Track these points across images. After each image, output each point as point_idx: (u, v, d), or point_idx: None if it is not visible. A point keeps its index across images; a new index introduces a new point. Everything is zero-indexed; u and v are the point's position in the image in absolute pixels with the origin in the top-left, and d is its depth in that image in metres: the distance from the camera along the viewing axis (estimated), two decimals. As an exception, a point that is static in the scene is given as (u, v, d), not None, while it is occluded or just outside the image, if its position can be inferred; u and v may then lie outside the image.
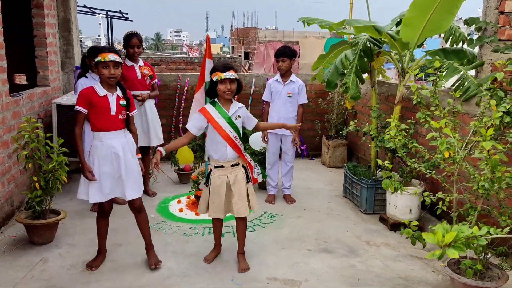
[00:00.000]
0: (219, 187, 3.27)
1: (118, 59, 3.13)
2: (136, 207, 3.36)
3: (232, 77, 3.13)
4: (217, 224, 3.52)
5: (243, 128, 3.42)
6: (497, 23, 3.67)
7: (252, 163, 3.43)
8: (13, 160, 4.13)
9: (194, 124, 3.27)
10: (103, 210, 3.37)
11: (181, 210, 4.58)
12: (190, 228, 4.16)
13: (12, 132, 4.09)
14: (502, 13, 3.63)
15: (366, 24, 4.14)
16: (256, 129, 3.47)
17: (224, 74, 3.12)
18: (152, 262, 3.39)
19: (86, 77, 4.31)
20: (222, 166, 3.26)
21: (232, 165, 3.27)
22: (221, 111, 3.22)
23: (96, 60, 3.13)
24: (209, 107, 3.26)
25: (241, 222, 3.40)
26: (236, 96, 3.37)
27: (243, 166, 3.33)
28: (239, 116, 3.28)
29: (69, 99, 4.91)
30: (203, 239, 3.92)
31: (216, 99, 3.27)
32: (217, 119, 3.21)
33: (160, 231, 4.05)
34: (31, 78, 5.20)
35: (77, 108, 3.17)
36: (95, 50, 4.35)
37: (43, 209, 3.73)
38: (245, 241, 3.47)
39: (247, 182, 3.33)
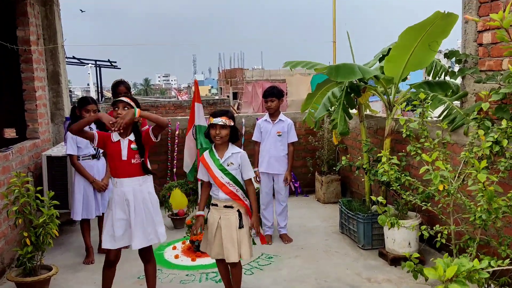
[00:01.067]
0: (211, 224, 3.27)
1: (128, 101, 3.17)
2: (143, 256, 3.35)
3: (220, 123, 3.15)
4: (220, 266, 3.41)
5: None
6: (476, 54, 3.78)
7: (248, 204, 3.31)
8: (3, 216, 4.05)
9: (201, 172, 3.36)
10: (109, 259, 3.29)
11: (176, 256, 4.48)
12: (187, 275, 4.06)
13: (1, 188, 4.03)
14: (480, 45, 3.75)
15: (347, 76, 4.19)
16: (245, 184, 3.32)
17: (214, 119, 3.16)
18: None
19: None
20: (216, 205, 3.28)
21: (225, 206, 3.24)
22: (213, 158, 3.26)
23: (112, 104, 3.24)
24: (206, 154, 3.32)
25: (234, 268, 3.30)
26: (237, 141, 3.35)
27: (237, 211, 3.26)
28: (231, 163, 3.24)
29: (59, 150, 4.89)
30: (201, 286, 3.81)
31: (213, 145, 3.31)
32: (210, 166, 3.25)
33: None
34: (21, 131, 5.19)
35: (95, 132, 3.25)
36: (84, 100, 4.41)
37: (34, 265, 3.63)
38: (239, 285, 3.35)
39: (240, 227, 3.23)
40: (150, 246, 3.35)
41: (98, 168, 4.38)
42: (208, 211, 3.36)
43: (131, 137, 3.25)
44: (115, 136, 3.23)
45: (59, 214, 3.75)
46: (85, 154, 4.33)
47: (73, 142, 4.24)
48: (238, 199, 3.24)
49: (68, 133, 4.29)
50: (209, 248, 3.32)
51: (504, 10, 3.40)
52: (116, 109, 3.17)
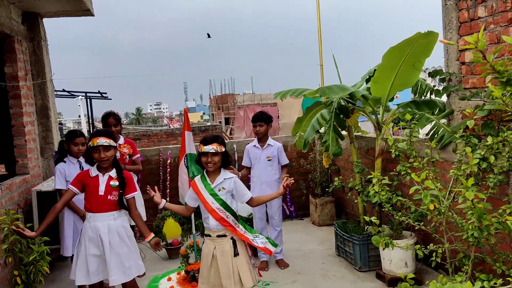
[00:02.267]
0: (206, 256, 3.22)
1: (106, 142, 3.21)
2: None
3: (211, 151, 3.14)
4: None
5: None
6: (460, 73, 3.85)
7: (249, 235, 3.26)
8: (-8, 255, 3.96)
9: (189, 196, 3.33)
10: None
11: (172, 288, 4.39)
12: (183, 307, 3.97)
13: (-9, 226, 3.96)
14: (463, 63, 3.83)
15: (339, 93, 4.28)
16: (250, 204, 3.35)
17: (205, 147, 3.15)
18: None
19: (65, 161, 4.29)
20: (210, 236, 3.23)
21: (218, 236, 3.19)
22: (205, 183, 3.24)
23: (88, 145, 3.25)
24: (197, 179, 3.30)
25: None
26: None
27: (231, 239, 3.21)
28: (223, 188, 3.22)
29: (50, 185, 4.84)
30: (197, 319, 3.73)
31: (204, 171, 3.29)
32: (201, 191, 3.22)
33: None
34: (11, 167, 5.14)
35: (69, 186, 3.27)
36: (72, 134, 4.39)
37: (25, 304, 3.54)
38: None
39: (235, 255, 3.18)
40: (134, 280, 3.32)
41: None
42: (203, 242, 3.31)
43: (112, 173, 3.28)
44: (93, 171, 3.27)
45: (50, 250, 3.69)
46: None
47: (61, 176, 4.20)
48: (228, 225, 3.18)
49: (56, 167, 4.26)
50: (203, 281, 3.23)
51: (484, 30, 3.49)
52: (96, 152, 3.22)
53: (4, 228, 3.49)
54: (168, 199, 6.27)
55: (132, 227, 4.74)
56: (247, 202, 3.32)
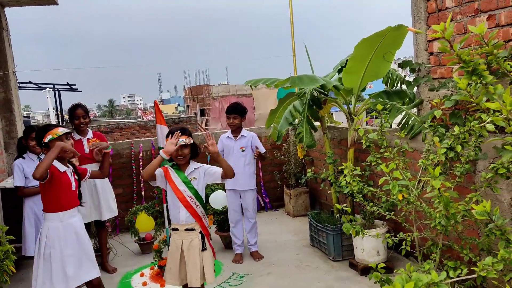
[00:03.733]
0: (174, 251, 3.15)
1: (66, 130, 3.15)
2: (95, 286, 3.22)
3: (182, 143, 3.08)
4: None
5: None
6: (428, 63, 3.89)
7: (209, 230, 3.27)
8: (-46, 255, 3.80)
9: (160, 180, 3.18)
10: None
11: (144, 284, 4.33)
12: (156, 302, 3.92)
13: (-49, 225, 3.79)
14: (431, 53, 3.87)
15: (309, 85, 4.25)
16: (224, 177, 3.22)
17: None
18: None
19: (23, 157, 4.15)
20: (177, 229, 3.16)
21: (187, 229, 3.13)
22: (177, 172, 3.18)
23: (47, 139, 3.05)
24: (169, 167, 3.22)
25: None
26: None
27: (200, 233, 3.16)
28: (194, 178, 3.18)
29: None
30: (170, 314, 3.69)
31: (175, 162, 3.22)
32: (174, 179, 3.16)
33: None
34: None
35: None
36: (30, 129, 4.24)
37: (-10, 306, 3.41)
38: None
39: (203, 250, 3.14)
40: (99, 277, 3.30)
41: None
42: (169, 238, 3.25)
43: (71, 167, 3.25)
44: (60, 167, 3.11)
45: (15, 249, 3.56)
46: (34, 185, 4.14)
47: (20, 173, 4.07)
48: (197, 216, 3.13)
49: (15, 163, 4.12)
50: (171, 276, 3.17)
51: (452, 20, 3.53)
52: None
53: (-34, 227, 3.34)
54: (143, 193, 6.17)
55: (103, 222, 4.66)
56: (222, 177, 3.22)
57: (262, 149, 4.80)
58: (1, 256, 3.37)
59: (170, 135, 3.13)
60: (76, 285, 3.10)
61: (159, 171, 3.19)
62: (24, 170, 4.07)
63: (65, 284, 3.03)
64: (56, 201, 3.08)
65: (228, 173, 3.17)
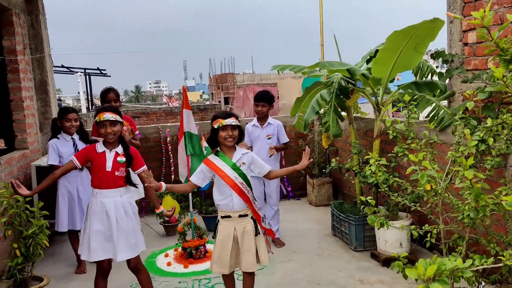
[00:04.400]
0: (225, 238, 3.10)
1: (113, 117, 3.15)
2: (132, 267, 3.30)
3: (233, 123, 3.05)
4: (227, 280, 3.29)
5: None
6: (462, 54, 3.82)
7: (261, 213, 3.22)
8: (-9, 228, 4.00)
9: (198, 176, 3.20)
10: (100, 269, 3.27)
11: (169, 264, 4.45)
12: (179, 282, 4.03)
13: (-10, 199, 3.98)
14: (466, 44, 3.79)
15: (339, 67, 4.27)
16: (267, 177, 3.30)
17: (226, 120, 3.05)
18: None
19: (58, 138, 4.29)
20: (229, 216, 3.12)
21: (240, 216, 3.11)
22: (224, 159, 3.13)
23: (94, 120, 3.20)
24: (212, 157, 3.18)
25: (249, 278, 3.20)
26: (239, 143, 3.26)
27: (252, 218, 3.15)
28: (243, 163, 3.13)
29: (48, 160, 4.84)
30: (194, 293, 3.79)
31: (218, 148, 3.19)
32: (221, 167, 3.10)
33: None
34: (10, 142, 5.14)
35: (73, 157, 3.25)
36: (65, 110, 4.38)
37: (25, 276, 3.60)
38: None
39: (256, 234, 3.13)
40: (138, 256, 3.31)
41: (82, 178, 4.33)
42: (216, 229, 3.20)
43: (119, 149, 3.23)
44: (100, 147, 3.22)
45: (49, 224, 3.72)
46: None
47: (54, 152, 4.20)
48: (248, 201, 3.10)
49: (49, 142, 4.26)
50: (220, 265, 3.14)
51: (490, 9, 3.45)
52: (103, 127, 3.16)
53: (3, 201, 3.51)
54: (172, 176, 6.30)
55: (136, 202, 4.79)
56: (265, 176, 3.27)
57: (286, 139, 4.82)
58: (36, 230, 3.54)
59: (221, 117, 3.09)
60: (101, 258, 3.18)
61: (202, 169, 3.18)
62: (59, 150, 4.21)
63: (87, 255, 3.17)
64: (92, 179, 3.22)
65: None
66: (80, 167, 3.24)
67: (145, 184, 3.15)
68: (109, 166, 3.17)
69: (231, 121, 3.05)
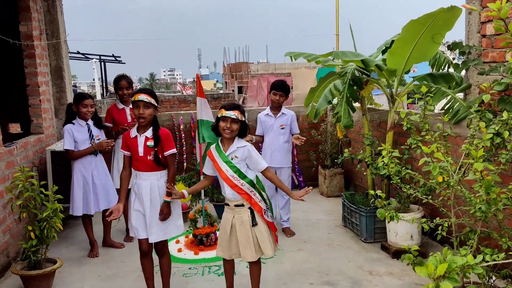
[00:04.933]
0: (225, 225, 3.22)
1: (147, 99, 3.16)
2: (158, 249, 3.38)
3: (232, 116, 3.06)
4: (228, 266, 3.36)
5: None
6: (480, 46, 3.75)
7: (263, 205, 3.21)
8: (7, 210, 4.09)
9: (208, 166, 3.30)
10: (141, 250, 3.36)
11: (179, 250, 4.50)
12: (190, 268, 4.08)
13: (6, 182, 4.07)
14: (484, 36, 3.72)
15: (353, 58, 4.22)
16: (264, 174, 3.28)
17: (227, 112, 3.07)
18: None
19: (73, 123, 4.34)
20: (228, 205, 3.22)
21: (236, 205, 3.16)
22: (219, 151, 3.18)
23: (131, 100, 3.25)
24: (212, 148, 3.25)
25: (253, 267, 3.26)
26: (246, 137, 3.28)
27: (249, 208, 3.18)
28: (236, 157, 3.14)
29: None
30: (203, 279, 3.84)
31: (219, 138, 3.23)
32: (216, 159, 3.18)
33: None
34: (25, 127, 5.23)
35: (121, 151, 3.33)
36: (81, 96, 4.42)
37: (39, 258, 3.67)
38: (258, 284, 3.30)
39: (253, 225, 3.15)
40: (166, 240, 3.37)
41: (96, 163, 4.39)
42: (222, 212, 3.31)
43: (148, 133, 3.25)
44: (133, 132, 3.28)
45: (63, 208, 3.79)
46: (83, 148, 4.34)
47: (70, 137, 4.25)
48: (244, 193, 3.13)
49: (65, 128, 4.31)
50: (222, 249, 3.24)
51: (508, 1, 3.36)
52: (137, 107, 3.16)
53: (19, 184, 3.58)
54: (184, 164, 6.35)
55: None
56: (262, 172, 3.27)
57: (297, 130, 4.81)
58: (50, 213, 3.60)
59: (225, 108, 3.13)
60: (140, 237, 3.29)
61: (208, 159, 3.26)
62: (74, 135, 4.26)
63: (135, 233, 3.31)
64: (133, 161, 3.30)
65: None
66: (128, 154, 3.28)
67: (170, 198, 3.22)
68: (140, 151, 3.22)
69: (231, 113, 3.07)
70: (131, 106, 4.64)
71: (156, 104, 3.23)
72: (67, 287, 3.77)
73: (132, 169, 3.33)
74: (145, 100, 3.15)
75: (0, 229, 3.97)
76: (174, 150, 3.32)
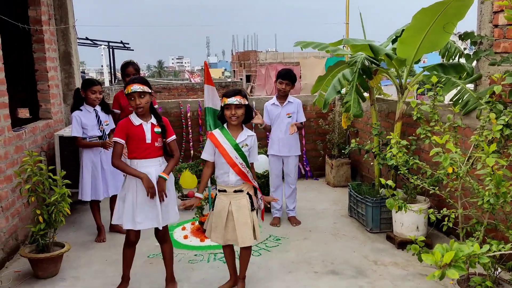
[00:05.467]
0: (220, 212, 3.21)
1: (140, 88, 3.13)
2: (160, 235, 3.36)
3: (235, 102, 3.07)
4: (227, 252, 3.39)
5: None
6: (492, 36, 3.68)
7: (259, 193, 3.28)
8: (16, 194, 4.14)
9: (207, 151, 3.27)
10: (129, 239, 3.34)
11: (185, 237, 4.54)
12: (195, 255, 4.11)
13: (15, 167, 4.11)
14: (496, 26, 3.65)
15: (363, 43, 4.18)
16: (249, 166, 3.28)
17: (229, 99, 3.08)
18: None
19: (81, 109, 4.34)
20: (225, 191, 3.21)
21: (235, 191, 3.19)
22: (228, 137, 3.18)
23: (124, 93, 3.21)
24: (216, 132, 3.24)
25: (246, 252, 3.29)
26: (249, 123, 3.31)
27: (247, 194, 3.21)
28: (246, 145, 3.19)
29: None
30: (209, 266, 3.87)
31: (225, 125, 3.24)
32: (223, 144, 3.16)
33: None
34: (34, 112, 5.26)
35: (115, 139, 3.21)
36: (90, 82, 4.43)
37: (47, 242, 3.71)
38: (247, 266, 3.36)
39: (252, 210, 3.20)
40: (167, 226, 3.38)
41: (104, 149, 4.42)
42: (215, 198, 3.30)
43: (153, 120, 3.25)
44: (135, 120, 3.22)
45: (71, 193, 3.82)
46: (91, 136, 4.36)
47: (78, 124, 4.26)
48: (248, 180, 3.18)
49: (73, 114, 4.32)
50: (217, 235, 3.25)
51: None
52: (133, 99, 3.14)
53: (27, 169, 3.61)
54: (191, 152, 6.37)
55: None
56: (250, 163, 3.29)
57: (303, 118, 4.78)
58: (58, 198, 3.64)
59: (225, 96, 3.13)
60: (143, 228, 3.26)
61: (208, 144, 3.24)
62: (82, 122, 4.28)
63: (133, 225, 3.24)
64: (130, 150, 3.24)
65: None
66: (123, 142, 3.21)
67: (167, 176, 3.22)
68: (148, 138, 3.19)
69: (233, 100, 3.07)
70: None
71: (150, 91, 3.22)
72: (74, 271, 3.82)
73: (127, 158, 3.27)
74: (138, 90, 3.12)
75: (9, 212, 4.02)
76: (175, 136, 3.35)
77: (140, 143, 3.20)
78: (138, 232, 3.31)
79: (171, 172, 3.34)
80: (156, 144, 3.23)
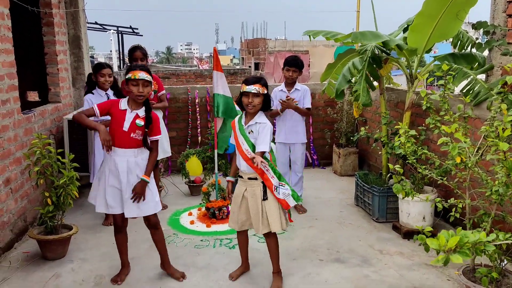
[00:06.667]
0: (237, 197, 3.26)
1: (148, 78, 3.09)
2: (151, 224, 3.35)
3: (253, 91, 3.05)
4: (240, 238, 3.40)
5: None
6: (505, 26, 3.62)
7: (275, 182, 3.14)
8: (25, 176, 4.18)
9: (232, 136, 3.30)
10: (115, 224, 3.35)
11: (192, 222, 4.57)
12: (201, 240, 4.15)
13: (24, 149, 4.15)
14: (509, 16, 3.59)
15: (372, 39, 4.11)
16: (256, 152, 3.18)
17: (247, 87, 3.06)
18: (178, 276, 3.40)
19: (93, 93, 4.37)
20: (242, 177, 3.24)
21: (250, 178, 3.17)
22: (239, 123, 3.21)
23: (126, 77, 3.12)
24: (237, 119, 3.28)
25: (269, 240, 3.27)
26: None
27: (262, 183, 3.16)
28: (251, 131, 3.16)
29: (80, 114, 4.97)
30: (214, 251, 3.90)
31: (244, 111, 3.25)
32: (236, 131, 3.22)
33: (171, 244, 4.04)
34: (43, 95, 5.28)
35: (94, 105, 3.18)
36: (99, 65, 4.43)
37: (55, 224, 3.76)
38: (278, 258, 3.32)
39: (264, 199, 3.14)
40: (155, 214, 3.33)
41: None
42: (236, 183, 3.33)
43: (141, 112, 3.16)
44: (123, 104, 3.16)
45: (79, 176, 3.85)
46: (101, 120, 4.37)
47: (89, 107, 4.29)
48: (255, 168, 3.11)
49: (85, 97, 4.36)
50: (233, 220, 3.29)
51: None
52: (137, 86, 3.08)
53: (36, 151, 3.64)
54: (199, 138, 6.37)
55: (157, 162, 4.88)
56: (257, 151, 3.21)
57: (309, 105, 4.74)
58: (67, 181, 3.67)
59: (245, 83, 3.11)
60: (117, 212, 3.23)
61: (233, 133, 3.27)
62: (93, 105, 4.30)
63: (104, 208, 3.24)
64: (110, 134, 3.16)
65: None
66: (98, 116, 3.16)
67: (149, 178, 3.20)
68: (126, 126, 3.11)
69: (252, 88, 3.06)
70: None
71: (152, 82, 3.19)
72: (82, 253, 3.87)
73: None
74: (145, 78, 3.08)
75: (18, 194, 4.06)
76: (159, 137, 3.28)
77: (117, 129, 3.13)
78: (122, 216, 3.25)
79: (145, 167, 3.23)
80: (132, 135, 3.12)
